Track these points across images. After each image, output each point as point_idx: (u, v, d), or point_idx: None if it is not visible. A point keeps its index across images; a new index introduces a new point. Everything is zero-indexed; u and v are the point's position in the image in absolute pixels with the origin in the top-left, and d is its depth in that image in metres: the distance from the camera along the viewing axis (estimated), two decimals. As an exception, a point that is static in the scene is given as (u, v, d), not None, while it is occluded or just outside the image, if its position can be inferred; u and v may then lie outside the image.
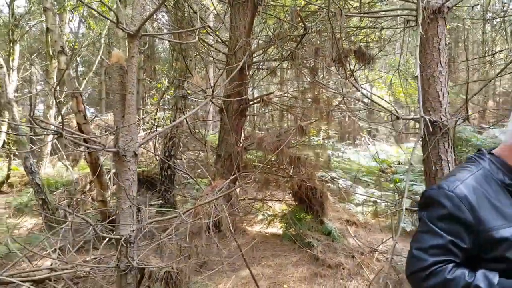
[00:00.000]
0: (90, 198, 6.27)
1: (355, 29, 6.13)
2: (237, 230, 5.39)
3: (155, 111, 10.22)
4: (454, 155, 2.93)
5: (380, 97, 4.39)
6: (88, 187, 6.73)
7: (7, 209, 6.79)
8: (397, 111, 2.94)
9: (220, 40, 6.65)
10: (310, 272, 4.08)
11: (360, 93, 3.85)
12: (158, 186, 6.82)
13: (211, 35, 7.69)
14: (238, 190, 6.11)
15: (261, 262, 4.41)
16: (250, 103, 6.53)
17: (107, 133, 3.89)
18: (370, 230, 5.45)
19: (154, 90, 12.77)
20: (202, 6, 8.41)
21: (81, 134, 3.18)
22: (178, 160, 7.58)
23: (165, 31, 7.99)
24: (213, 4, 7.93)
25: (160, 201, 6.59)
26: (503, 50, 5.64)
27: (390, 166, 10.47)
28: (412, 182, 6.92)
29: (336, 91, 4.55)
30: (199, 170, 7.67)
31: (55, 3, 9.83)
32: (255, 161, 6.59)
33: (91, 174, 5.35)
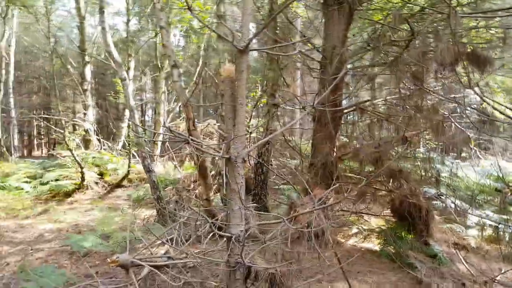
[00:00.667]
0: (194, 196, 6.87)
1: (468, 29, 5.57)
2: (331, 243, 5.32)
3: (248, 118, 10.73)
4: None
5: (503, 106, 3.90)
6: (192, 186, 7.38)
7: (127, 201, 7.85)
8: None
9: (314, 48, 6.64)
10: (410, 294, 3.82)
11: (480, 100, 3.49)
12: (252, 190, 7.12)
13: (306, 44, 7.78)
14: (332, 200, 6.04)
15: (357, 277, 4.28)
16: (345, 111, 6.41)
17: (222, 142, 4.25)
18: (484, 257, 4.85)
19: (248, 99, 13.41)
20: (294, 13, 8.56)
21: (199, 142, 3.54)
22: (270, 166, 7.82)
23: (262, 42, 8.34)
24: (306, 12, 8.00)
25: (255, 204, 6.88)
26: None
27: (509, 186, 9.12)
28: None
29: (448, 98, 4.19)
30: (289, 176, 7.78)
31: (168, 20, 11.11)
32: (347, 172, 6.42)
33: (198, 175, 5.86)
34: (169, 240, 4.26)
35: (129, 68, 10.36)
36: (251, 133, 9.77)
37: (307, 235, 2.99)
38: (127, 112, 7.05)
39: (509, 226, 4.71)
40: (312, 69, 7.14)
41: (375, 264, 4.73)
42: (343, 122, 7.95)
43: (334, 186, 4.52)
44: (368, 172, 5.89)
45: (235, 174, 2.89)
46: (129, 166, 9.06)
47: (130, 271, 2.80)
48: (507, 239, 5.08)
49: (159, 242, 4.62)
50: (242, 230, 2.77)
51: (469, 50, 4.62)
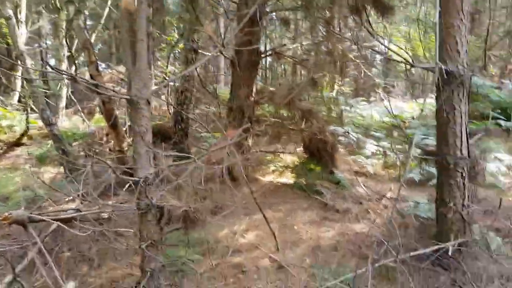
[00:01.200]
0: (108, 149, 6.49)
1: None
2: (249, 180, 5.57)
3: (165, 65, 10.16)
4: (468, 106, 2.89)
5: (397, 47, 4.26)
6: (105, 139, 6.94)
7: (29, 160, 7.10)
8: (412, 60, 2.87)
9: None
10: (319, 216, 4.28)
11: (377, 42, 3.75)
12: (172, 138, 6.98)
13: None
14: (250, 142, 6.23)
15: (272, 207, 4.61)
16: (262, 55, 6.42)
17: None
18: (379, 180, 5.56)
19: (163, 44, 12.58)
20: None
21: (93, 81, 3.24)
22: (190, 115, 7.68)
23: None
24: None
25: (175, 152, 6.78)
26: None
27: (404, 122, 10.37)
28: (424, 136, 6.90)
29: (351, 40, 4.41)
30: (211, 125, 7.76)
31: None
32: (267, 116, 6.62)
33: (106, 124, 5.49)
34: (79, 195, 4.03)
35: (17, 6, 8.77)
36: (168, 80, 9.32)
37: (219, 173, 3.05)
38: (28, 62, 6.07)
39: (393, 152, 5.39)
40: (230, 11, 6.88)
41: (288, 195, 5.13)
42: (260, 67, 8.00)
43: (247, 125, 4.63)
44: (283, 115, 6.16)
45: (139, 117, 2.74)
46: (27, 122, 8.08)
47: (29, 228, 2.59)
48: (398, 164, 5.84)
49: (68, 198, 4.35)
50: (151, 173, 2.70)
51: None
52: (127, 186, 4.08)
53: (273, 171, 6.25)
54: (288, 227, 4.07)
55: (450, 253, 2.71)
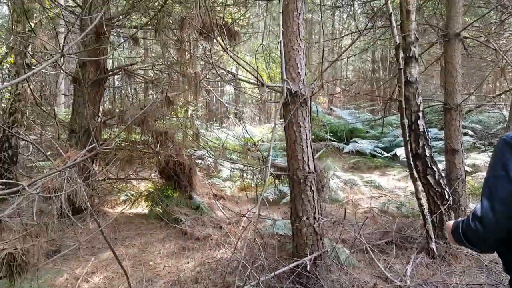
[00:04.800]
0: None
1: (220, 3, 6.10)
2: (96, 212, 4.83)
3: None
4: (311, 124, 3.18)
5: (247, 71, 4.46)
6: None
7: None
8: (262, 79, 2.97)
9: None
10: (178, 247, 3.96)
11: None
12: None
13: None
14: (96, 168, 5.47)
15: (124, 242, 4.06)
16: (110, 73, 5.85)
17: None
18: (237, 202, 5.65)
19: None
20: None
21: None
22: (21, 140, 6.32)
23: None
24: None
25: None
26: (350, 33, 6.44)
27: (255, 144, 11.15)
28: (273, 158, 7.47)
29: (205, 60, 4.40)
30: (49, 152, 6.54)
31: None
32: (117, 140, 5.99)
33: None
34: None
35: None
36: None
37: (59, 203, 2.45)
38: None
39: (249, 171, 5.61)
40: (71, 23, 6.03)
41: (143, 226, 4.64)
42: (108, 85, 7.28)
43: (91, 147, 4.01)
44: (135, 137, 5.67)
45: None
46: None
47: None
48: (253, 185, 6.10)
49: None
50: None
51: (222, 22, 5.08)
52: None
53: (125, 201, 5.62)
54: (144, 263, 3.61)
55: (308, 268, 2.83)
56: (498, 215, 1.10)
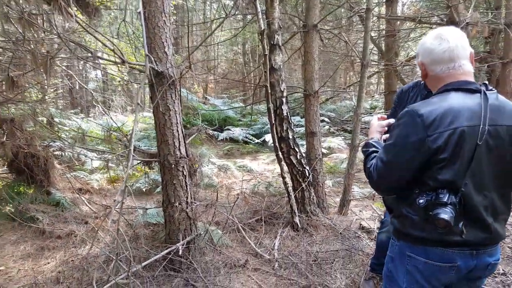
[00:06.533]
0: None
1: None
2: None
3: None
4: (181, 107, 3.10)
5: (108, 48, 4.05)
6: None
7: None
8: (123, 55, 2.72)
9: None
10: (35, 248, 3.46)
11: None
12: None
13: None
14: None
15: (-39, 251, 3.33)
16: None
17: None
18: (106, 195, 5.21)
19: None
20: None
21: None
22: None
23: None
24: None
25: None
26: (219, 18, 6.47)
27: (126, 135, 10.42)
28: (147, 147, 7.16)
29: (56, 34, 3.83)
30: None
31: None
32: None
33: None
34: None
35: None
36: None
37: None
38: None
39: (121, 162, 5.27)
40: None
41: (-10, 230, 3.88)
42: None
43: None
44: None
45: None
46: None
47: None
48: (124, 177, 5.71)
49: None
50: None
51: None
52: None
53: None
54: (-9, 270, 3.03)
55: (180, 253, 2.80)
56: (390, 178, 1.37)
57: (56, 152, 5.30)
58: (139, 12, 2.56)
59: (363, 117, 4.52)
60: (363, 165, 1.51)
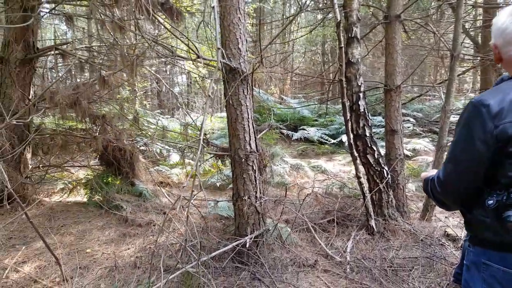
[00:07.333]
0: None
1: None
2: (30, 201, 4.46)
3: None
4: (253, 103, 3.10)
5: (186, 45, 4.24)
6: None
7: None
8: (198, 51, 2.81)
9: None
10: (118, 234, 3.77)
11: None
12: None
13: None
14: (29, 156, 5.01)
15: (60, 231, 3.81)
16: (40, 52, 5.36)
17: None
18: (184, 189, 5.48)
19: None
20: None
21: None
22: None
23: None
24: None
25: None
26: (294, 15, 6.37)
27: (206, 134, 11.00)
28: (220, 142, 7.38)
29: (141, 35, 4.15)
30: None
31: None
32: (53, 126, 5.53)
33: None
34: None
35: None
36: None
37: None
38: None
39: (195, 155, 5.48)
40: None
41: (81, 214, 4.37)
42: (40, 66, 6.71)
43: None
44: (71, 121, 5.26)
45: None
46: None
47: None
48: (201, 171, 5.97)
49: None
50: None
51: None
52: None
53: (62, 189, 5.24)
54: (80, 251, 3.39)
55: (247, 246, 2.79)
56: (460, 178, 1.18)
57: (141, 148, 5.77)
58: (213, 7, 2.61)
59: (452, 115, 4.02)
60: (422, 189, 1.35)
